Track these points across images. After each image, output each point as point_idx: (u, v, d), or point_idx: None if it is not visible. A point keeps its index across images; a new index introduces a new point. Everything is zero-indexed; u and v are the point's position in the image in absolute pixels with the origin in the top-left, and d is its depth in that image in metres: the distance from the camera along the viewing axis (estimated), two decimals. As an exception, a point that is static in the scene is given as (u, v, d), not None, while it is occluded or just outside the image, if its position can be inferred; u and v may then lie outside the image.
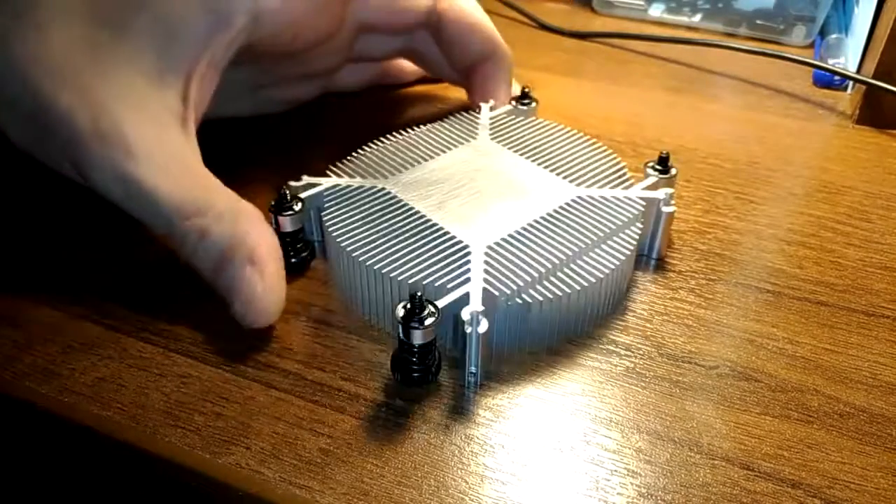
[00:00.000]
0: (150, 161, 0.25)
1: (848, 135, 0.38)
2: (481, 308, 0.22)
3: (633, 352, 0.25)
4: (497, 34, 0.36)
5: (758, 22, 0.48)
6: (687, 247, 0.29)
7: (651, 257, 0.29)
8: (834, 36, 0.44)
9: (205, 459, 0.21)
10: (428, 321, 0.21)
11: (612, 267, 0.24)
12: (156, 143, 0.25)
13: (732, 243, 0.29)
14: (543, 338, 0.24)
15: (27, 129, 0.26)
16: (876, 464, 0.21)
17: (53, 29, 0.26)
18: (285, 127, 0.37)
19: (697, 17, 0.49)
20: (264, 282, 0.25)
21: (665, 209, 0.27)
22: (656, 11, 0.50)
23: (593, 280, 0.24)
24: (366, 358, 0.24)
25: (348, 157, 0.29)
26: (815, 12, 0.46)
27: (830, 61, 0.42)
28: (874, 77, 0.37)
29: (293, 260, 0.27)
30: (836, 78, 0.41)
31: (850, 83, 0.41)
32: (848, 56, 0.42)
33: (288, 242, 0.27)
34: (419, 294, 0.21)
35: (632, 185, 0.28)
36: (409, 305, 0.21)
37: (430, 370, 0.23)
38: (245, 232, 0.25)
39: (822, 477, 0.21)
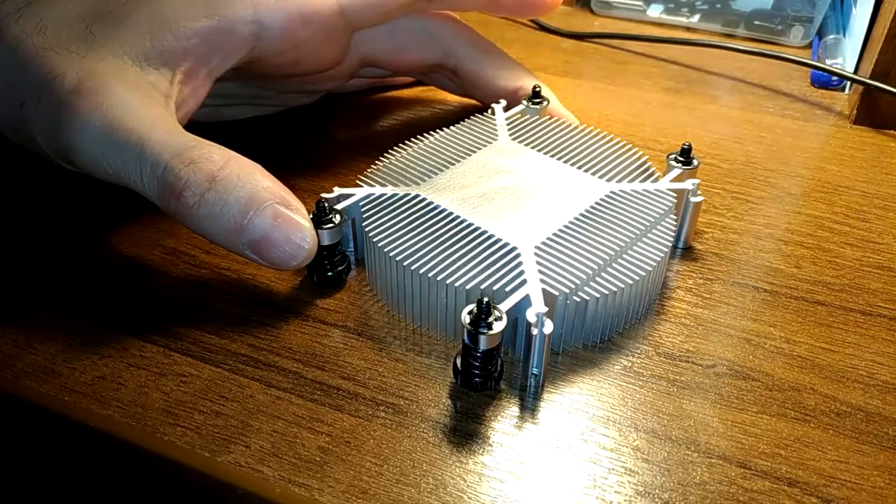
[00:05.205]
0: (141, 112, 0.24)
1: (845, 135, 0.38)
2: (545, 309, 0.22)
3: (630, 350, 0.25)
4: (522, 73, 0.35)
5: (756, 22, 0.48)
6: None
7: (678, 247, 0.29)
8: (832, 36, 0.44)
9: (204, 458, 0.21)
10: (496, 325, 0.21)
11: (658, 259, 0.25)
12: (144, 102, 0.25)
13: (730, 243, 0.30)
14: (596, 334, 0.25)
15: (7, 101, 0.26)
16: (873, 462, 0.21)
17: (52, 14, 0.26)
18: (280, 132, 0.37)
19: (695, 18, 0.50)
20: (305, 218, 0.24)
21: (693, 199, 0.28)
22: (654, 12, 0.51)
23: (643, 273, 0.24)
24: (365, 357, 0.24)
25: (374, 165, 0.29)
26: (812, 13, 0.46)
27: (828, 62, 0.42)
28: (871, 77, 0.37)
29: (329, 273, 0.27)
30: (834, 78, 0.41)
31: (848, 83, 0.42)
32: (845, 56, 0.42)
33: (324, 256, 0.26)
34: (486, 299, 0.21)
35: (659, 177, 0.29)
36: (475, 310, 0.21)
37: (491, 376, 0.22)
38: (262, 175, 0.24)
39: (818, 475, 0.21)
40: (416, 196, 0.27)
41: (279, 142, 0.36)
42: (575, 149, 0.30)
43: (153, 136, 0.24)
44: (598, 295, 0.23)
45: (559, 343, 0.24)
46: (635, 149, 0.30)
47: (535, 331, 0.22)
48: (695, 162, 0.29)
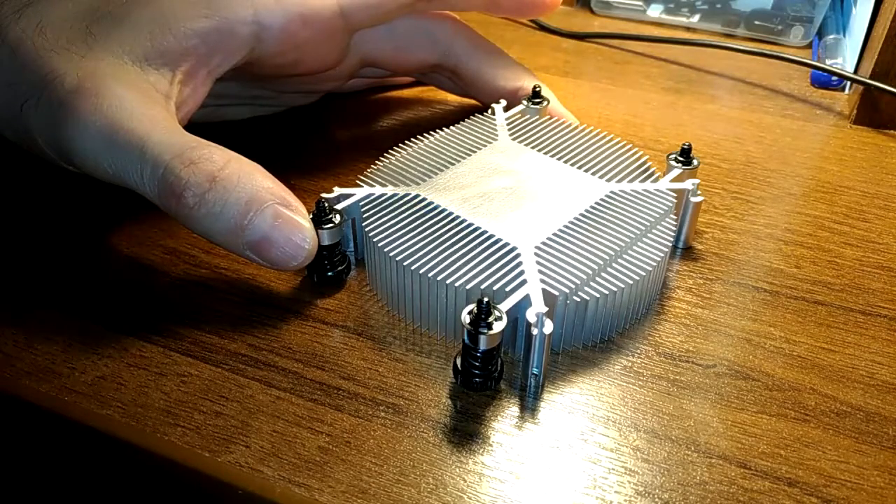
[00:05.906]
0: (140, 113, 0.24)
1: (845, 135, 0.38)
2: (545, 309, 0.22)
3: (630, 350, 0.25)
4: (521, 73, 0.35)
5: (756, 22, 0.48)
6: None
7: (678, 247, 0.29)
8: (832, 36, 0.44)
9: (204, 458, 0.21)
10: (496, 325, 0.21)
11: (658, 259, 0.25)
12: (144, 102, 0.25)
13: (730, 243, 0.30)
14: (596, 334, 0.25)
15: (7, 101, 0.26)
16: (872, 462, 0.21)
17: (52, 14, 0.26)
18: (280, 132, 0.37)
19: (695, 18, 0.50)
20: (305, 219, 0.24)
21: (693, 199, 0.28)
22: (654, 12, 0.51)
23: (643, 273, 0.24)
24: (365, 357, 0.24)
25: (374, 165, 0.29)
26: (812, 13, 0.46)
27: (828, 62, 0.42)
28: (871, 77, 0.37)
29: (329, 273, 0.27)
30: (834, 78, 0.42)
31: (848, 83, 0.42)
32: (845, 56, 0.42)
33: (325, 256, 0.26)
34: (486, 299, 0.21)
35: (659, 177, 0.29)
36: (475, 310, 0.21)
37: (491, 376, 0.22)
38: (263, 176, 0.24)
39: (818, 475, 0.21)
40: (416, 196, 0.27)
41: (279, 142, 0.36)
42: (575, 149, 0.30)
43: (153, 137, 0.24)
44: (598, 295, 0.23)
45: (559, 343, 0.24)
46: (635, 149, 0.30)
47: (535, 331, 0.22)
48: (695, 162, 0.29)
